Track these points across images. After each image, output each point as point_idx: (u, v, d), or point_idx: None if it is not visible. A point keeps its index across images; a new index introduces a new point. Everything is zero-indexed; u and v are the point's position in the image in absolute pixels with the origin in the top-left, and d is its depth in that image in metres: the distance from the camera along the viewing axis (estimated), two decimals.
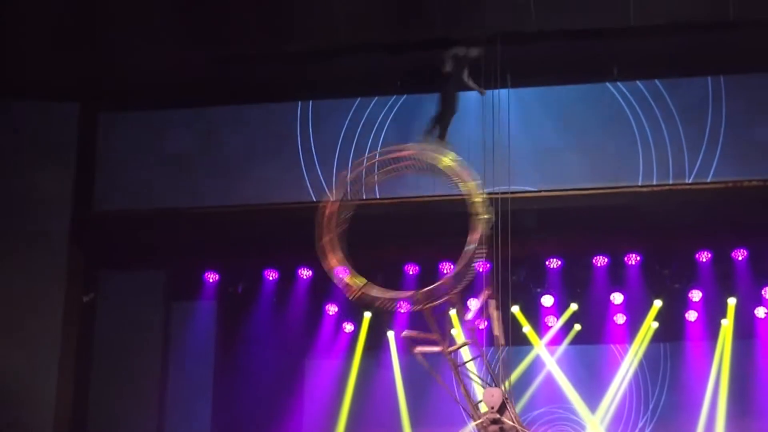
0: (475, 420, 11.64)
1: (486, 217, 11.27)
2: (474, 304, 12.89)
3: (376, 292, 11.58)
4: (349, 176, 11.89)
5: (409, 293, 11.66)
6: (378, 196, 14.37)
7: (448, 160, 11.57)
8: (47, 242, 15.18)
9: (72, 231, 15.25)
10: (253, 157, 15.07)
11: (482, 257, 11.38)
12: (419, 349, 11.79)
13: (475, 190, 11.40)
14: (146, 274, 16.25)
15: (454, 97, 13.54)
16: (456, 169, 11.50)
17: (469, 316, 12.20)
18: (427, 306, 11.47)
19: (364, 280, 11.57)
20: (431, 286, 11.48)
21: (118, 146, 15.44)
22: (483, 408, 11.54)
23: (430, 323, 11.64)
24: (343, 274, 11.59)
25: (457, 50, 13.41)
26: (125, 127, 15.51)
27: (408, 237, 15.55)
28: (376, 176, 11.96)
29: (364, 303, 11.95)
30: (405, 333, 12.23)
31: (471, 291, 12.63)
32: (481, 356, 11.92)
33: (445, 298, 11.51)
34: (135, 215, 15.33)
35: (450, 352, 11.75)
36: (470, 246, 11.24)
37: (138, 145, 15.39)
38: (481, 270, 12.09)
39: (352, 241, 14.28)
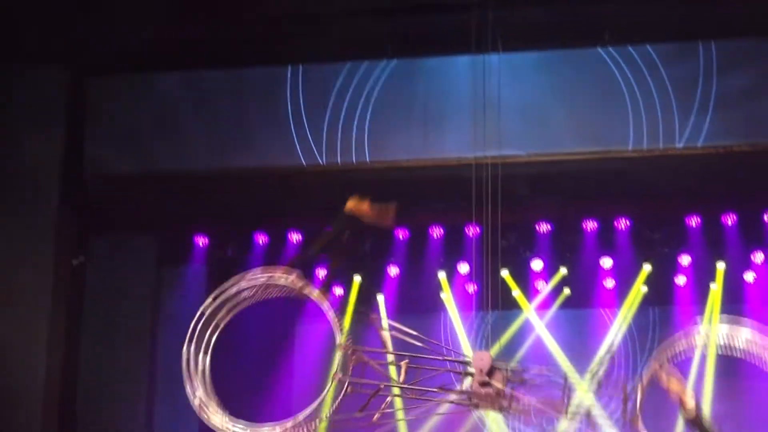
0: (464, 384, 11.69)
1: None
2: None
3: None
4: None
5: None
6: (368, 159, 14.39)
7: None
8: (36, 206, 15.12)
9: (61, 195, 15.18)
10: (243, 120, 15.02)
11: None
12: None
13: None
14: (136, 238, 16.22)
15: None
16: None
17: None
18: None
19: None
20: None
21: (108, 110, 15.36)
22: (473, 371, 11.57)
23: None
24: None
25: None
26: (115, 91, 15.42)
27: (398, 201, 15.54)
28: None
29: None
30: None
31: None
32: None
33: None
34: (125, 179, 15.28)
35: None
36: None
37: (128, 108, 15.31)
38: (471, 234, 12.12)
39: (341, 204, 14.31)
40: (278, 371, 17.32)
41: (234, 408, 16.60)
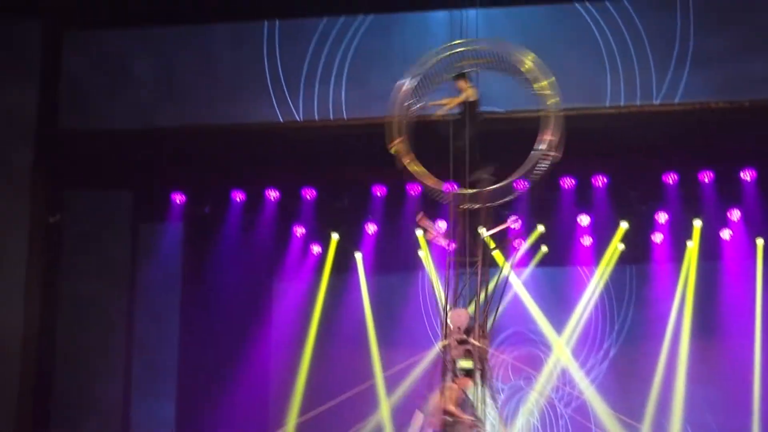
0: (442, 340, 11.74)
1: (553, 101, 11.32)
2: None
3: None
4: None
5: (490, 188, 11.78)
6: (345, 116, 14.36)
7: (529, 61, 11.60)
8: (11, 162, 15.06)
9: (37, 150, 15.11)
10: (220, 76, 14.96)
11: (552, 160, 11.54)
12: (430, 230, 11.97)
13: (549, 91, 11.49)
14: (113, 194, 16.16)
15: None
16: (535, 71, 11.53)
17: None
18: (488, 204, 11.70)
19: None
20: (502, 183, 11.57)
21: (83, 65, 15.27)
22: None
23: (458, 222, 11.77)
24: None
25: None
26: (90, 46, 15.33)
27: (375, 157, 15.51)
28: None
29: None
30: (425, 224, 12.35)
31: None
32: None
33: (511, 197, 11.62)
34: (101, 135, 15.21)
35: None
36: (540, 145, 11.42)
37: (104, 63, 15.23)
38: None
39: (318, 161, 14.33)
40: (256, 330, 17.34)
41: (213, 364, 16.74)
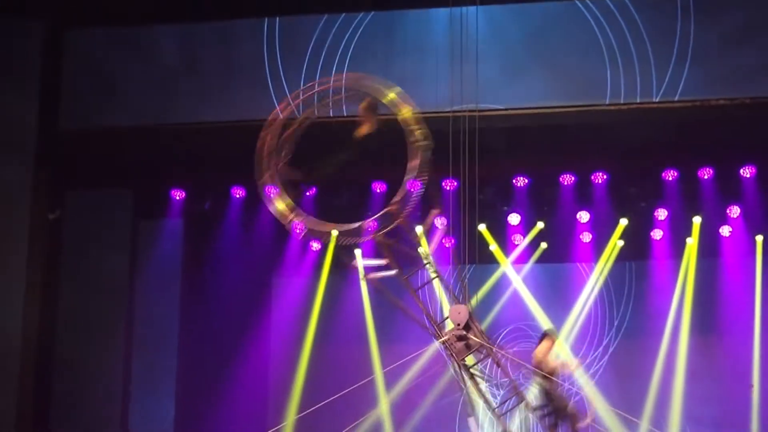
0: (438, 339, 11.73)
1: (424, 143, 11.26)
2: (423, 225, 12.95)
3: (324, 227, 11.59)
4: (290, 104, 11.84)
5: (355, 225, 11.65)
6: (345, 113, 14.33)
7: (390, 94, 11.49)
8: (12, 160, 15.05)
9: (37, 149, 15.10)
10: (219, 73, 14.95)
11: (424, 180, 11.40)
12: (372, 275, 11.88)
13: (412, 118, 11.35)
14: (113, 191, 16.17)
15: None
16: (396, 101, 11.43)
17: (427, 245, 12.27)
18: (376, 235, 11.50)
19: (314, 219, 11.56)
20: (375, 215, 11.52)
21: (84, 63, 15.27)
22: (450, 325, 11.61)
23: (383, 249, 11.68)
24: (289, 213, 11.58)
25: None
26: (91, 45, 15.32)
27: (376, 155, 15.50)
28: (316, 108, 11.93)
29: (315, 237, 11.95)
30: (357, 262, 12.25)
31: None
32: (438, 277, 12.00)
33: (393, 225, 11.53)
34: (101, 133, 15.20)
35: (406, 278, 11.84)
36: (409, 174, 11.30)
37: (104, 62, 15.22)
38: (449, 188, 12.13)
39: (318, 157, 14.27)
40: (255, 326, 17.34)
41: (213, 361, 16.74)
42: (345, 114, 12.73)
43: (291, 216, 11.53)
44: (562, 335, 16.90)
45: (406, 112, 11.31)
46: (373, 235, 11.44)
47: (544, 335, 12.91)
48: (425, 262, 12.20)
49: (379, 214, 11.45)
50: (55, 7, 15.16)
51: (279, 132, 11.54)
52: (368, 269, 11.89)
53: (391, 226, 11.49)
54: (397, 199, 11.35)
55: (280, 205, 11.58)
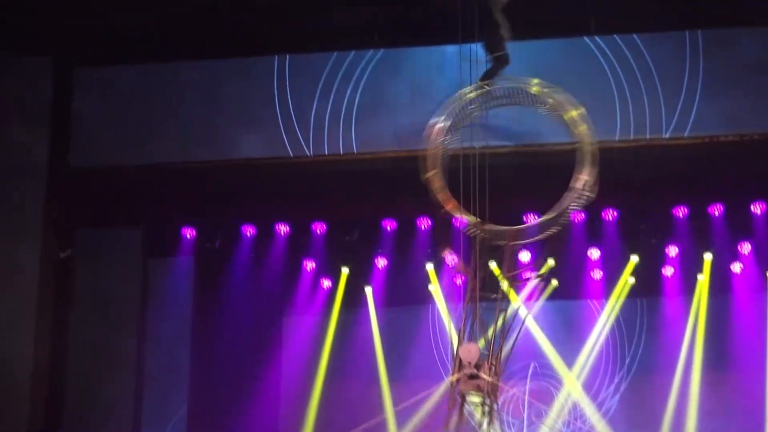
0: (452, 375, 11.72)
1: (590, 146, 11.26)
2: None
3: (494, 227, 11.63)
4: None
5: (527, 225, 11.72)
6: (356, 150, 14.39)
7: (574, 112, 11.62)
8: (23, 199, 15.07)
9: (48, 187, 15.14)
10: (229, 111, 14.99)
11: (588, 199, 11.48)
12: (461, 265, 11.92)
13: (587, 136, 11.40)
14: (123, 230, 16.19)
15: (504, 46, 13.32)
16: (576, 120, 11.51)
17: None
18: (537, 238, 11.58)
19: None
20: (547, 216, 11.53)
21: (94, 102, 15.32)
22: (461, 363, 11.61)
23: (506, 258, 11.73)
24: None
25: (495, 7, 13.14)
26: (100, 83, 15.38)
27: (386, 192, 15.55)
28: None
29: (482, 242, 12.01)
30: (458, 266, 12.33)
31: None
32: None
33: (555, 229, 11.56)
34: (112, 171, 15.24)
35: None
36: (576, 184, 11.30)
37: (114, 100, 15.28)
38: (459, 225, 12.20)
39: (329, 195, 14.36)
40: (266, 365, 17.32)
41: (223, 399, 16.72)
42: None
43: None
44: (574, 372, 16.86)
45: (581, 126, 11.26)
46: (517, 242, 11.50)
47: None
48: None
49: (549, 217, 11.55)
50: (65, 45, 15.24)
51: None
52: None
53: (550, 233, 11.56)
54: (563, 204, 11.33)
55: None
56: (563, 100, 11.74)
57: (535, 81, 12.24)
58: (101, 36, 14.99)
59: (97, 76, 15.39)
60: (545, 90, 11.82)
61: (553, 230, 11.67)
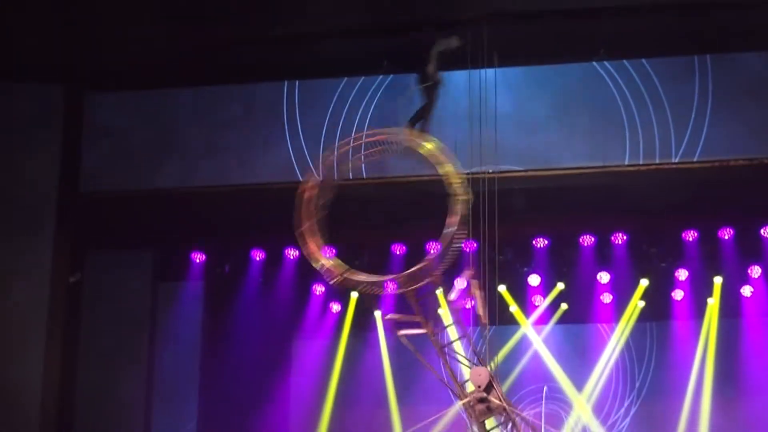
0: (461, 399, 11.69)
1: (465, 197, 11.29)
2: (458, 284, 12.97)
3: (358, 276, 11.63)
4: (325, 161, 11.95)
5: (391, 276, 11.68)
6: (365, 176, 14.38)
7: (428, 145, 11.58)
8: (33, 223, 15.12)
9: (58, 212, 15.19)
10: (239, 137, 15.03)
11: (463, 238, 11.42)
12: (403, 332, 11.87)
13: (453, 172, 11.39)
14: (133, 254, 16.25)
15: (436, 93, 13.31)
16: (435, 153, 11.49)
17: (453, 296, 12.27)
18: (410, 288, 11.50)
19: (345, 266, 11.63)
20: (413, 269, 11.53)
21: (105, 127, 15.37)
22: (470, 387, 11.58)
23: (413, 305, 11.69)
24: (324, 260, 11.64)
25: (438, 47, 13.19)
26: (110, 109, 15.43)
27: (395, 217, 15.56)
28: (351, 162, 12.02)
29: (347, 287, 11.99)
30: (388, 316, 12.34)
31: (455, 271, 12.70)
32: (466, 336, 11.97)
33: (428, 279, 11.53)
34: (122, 196, 15.27)
35: (434, 334, 11.82)
36: (449, 228, 11.30)
37: (124, 125, 15.33)
38: (463, 250, 12.14)
39: (339, 220, 14.34)
40: (275, 389, 17.30)
41: (233, 424, 16.69)
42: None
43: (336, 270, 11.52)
44: (584, 396, 16.82)
45: (447, 167, 11.36)
46: (407, 289, 11.45)
47: None
48: (446, 324, 12.22)
49: (415, 269, 11.44)
50: (75, 72, 15.29)
51: (317, 186, 11.52)
52: (399, 326, 11.87)
53: (424, 282, 11.49)
54: (433, 255, 11.34)
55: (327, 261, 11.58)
56: (439, 155, 11.61)
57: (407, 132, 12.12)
58: (112, 62, 15.04)
59: (107, 102, 15.44)
60: (425, 146, 11.67)
61: (440, 270, 11.57)
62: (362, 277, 11.65)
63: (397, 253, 16.32)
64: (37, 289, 15.07)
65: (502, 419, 11.82)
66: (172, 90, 15.35)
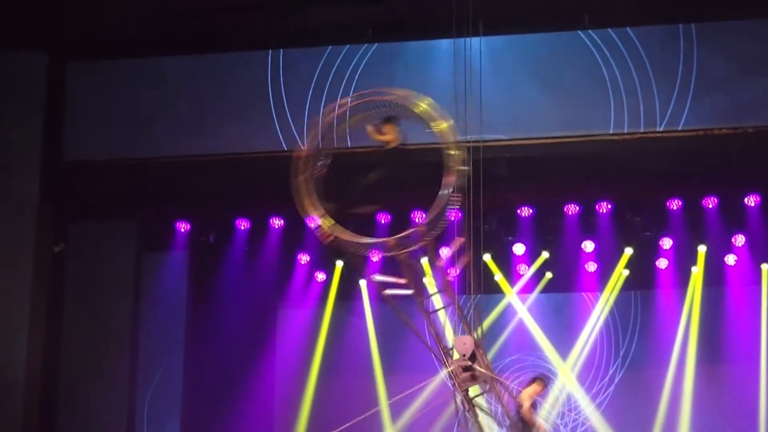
0: (446, 367, 11.71)
1: (463, 168, 11.22)
2: (446, 252, 12.94)
3: (348, 236, 11.56)
4: (321, 122, 11.85)
5: (382, 239, 11.65)
6: (349, 145, 14.34)
7: (423, 104, 11.49)
8: (16, 193, 15.09)
9: (41, 181, 15.14)
10: (224, 106, 14.99)
11: (456, 205, 11.36)
12: (389, 291, 11.83)
13: (448, 130, 11.28)
14: (117, 224, 16.20)
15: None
16: (429, 111, 11.42)
17: (441, 263, 12.24)
18: (400, 253, 11.47)
19: (333, 222, 11.56)
20: (404, 233, 11.47)
21: (88, 96, 15.31)
22: (455, 356, 11.59)
23: (403, 270, 11.66)
24: (316, 217, 11.57)
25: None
26: (94, 77, 15.37)
27: (380, 185, 15.51)
28: (348, 122, 11.92)
29: (337, 248, 11.94)
30: (376, 277, 12.29)
31: (444, 239, 12.68)
32: (453, 304, 11.96)
33: (418, 245, 11.50)
34: (105, 165, 15.23)
35: (422, 300, 11.81)
36: (444, 191, 11.19)
37: (108, 94, 15.27)
38: (453, 218, 12.08)
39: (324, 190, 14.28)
40: (260, 358, 17.32)
41: (217, 392, 16.72)
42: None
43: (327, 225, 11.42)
44: (568, 365, 16.87)
45: (442, 125, 11.27)
46: (397, 252, 11.39)
47: (535, 379, 12.16)
48: (431, 292, 12.20)
49: (407, 233, 11.39)
50: (59, 40, 15.21)
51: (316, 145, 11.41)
52: (385, 286, 11.83)
53: (416, 246, 11.43)
54: (429, 218, 11.26)
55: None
56: (436, 115, 11.47)
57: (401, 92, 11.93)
58: (95, 31, 14.98)
59: (91, 70, 15.38)
60: (413, 100, 11.51)
61: (432, 235, 11.47)
62: (351, 236, 11.55)
63: (382, 222, 16.30)
64: (21, 259, 15.04)
65: (487, 387, 11.86)
66: (156, 59, 15.28)
